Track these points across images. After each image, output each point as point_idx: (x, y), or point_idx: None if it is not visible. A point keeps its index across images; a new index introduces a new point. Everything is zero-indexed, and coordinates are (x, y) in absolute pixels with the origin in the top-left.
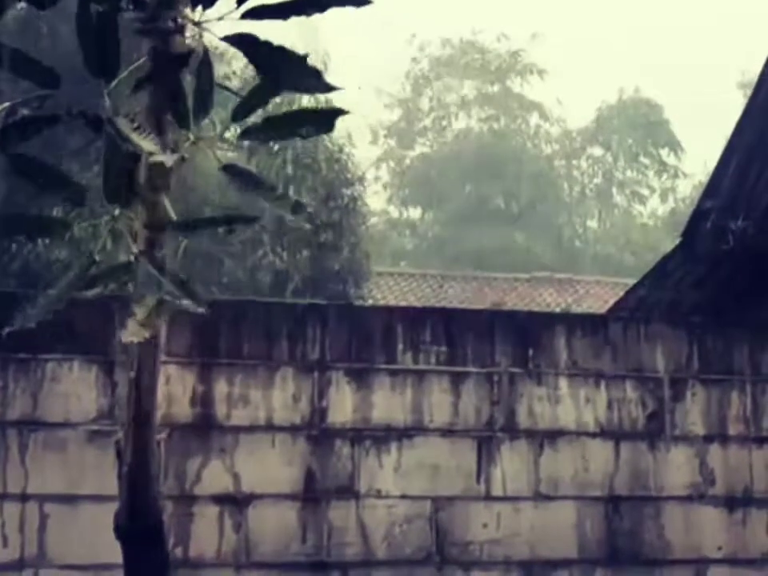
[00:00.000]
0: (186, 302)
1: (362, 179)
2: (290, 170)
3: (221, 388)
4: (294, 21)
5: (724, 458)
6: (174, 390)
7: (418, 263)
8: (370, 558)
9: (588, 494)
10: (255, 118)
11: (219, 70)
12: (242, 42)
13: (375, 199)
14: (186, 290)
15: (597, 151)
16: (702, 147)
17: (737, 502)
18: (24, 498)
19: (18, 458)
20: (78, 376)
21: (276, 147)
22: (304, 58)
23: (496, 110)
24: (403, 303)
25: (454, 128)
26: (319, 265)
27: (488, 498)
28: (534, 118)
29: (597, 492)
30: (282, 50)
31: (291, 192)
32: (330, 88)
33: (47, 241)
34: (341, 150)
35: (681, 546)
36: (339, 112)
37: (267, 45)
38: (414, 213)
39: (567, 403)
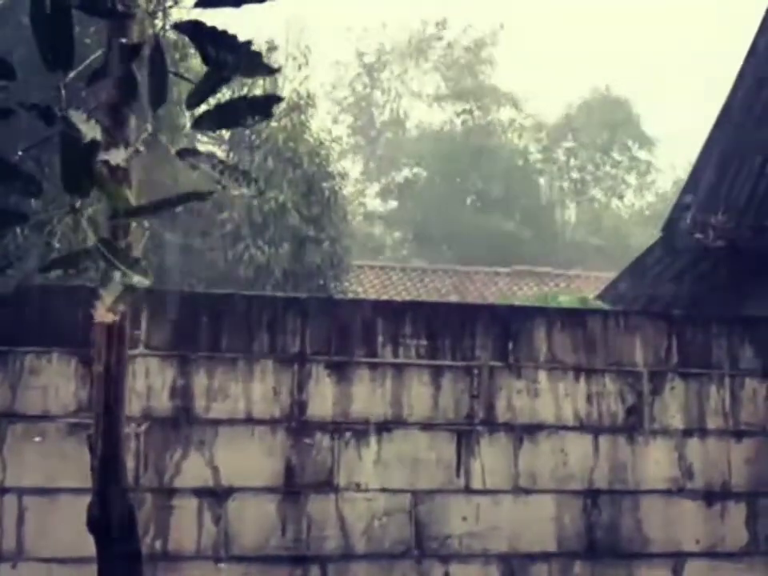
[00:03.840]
0: (136, 279)
1: (342, 174)
2: (270, 163)
3: (200, 381)
4: (284, 21)
5: (703, 451)
6: (154, 382)
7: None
8: (350, 551)
9: (567, 488)
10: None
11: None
12: (189, 29)
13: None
14: (138, 270)
15: (568, 145)
16: (678, 144)
17: (715, 495)
18: (2, 491)
19: None
20: (57, 368)
21: (257, 141)
22: (247, 42)
23: (467, 103)
24: (384, 297)
25: (421, 120)
26: (300, 258)
27: (467, 491)
28: (506, 111)
29: (576, 486)
30: (225, 34)
31: (275, 186)
32: (270, 71)
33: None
34: (321, 144)
35: (659, 539)
36: (276, 99)
37: (212, 30)
38: (389, 205)
39: (546, 397)
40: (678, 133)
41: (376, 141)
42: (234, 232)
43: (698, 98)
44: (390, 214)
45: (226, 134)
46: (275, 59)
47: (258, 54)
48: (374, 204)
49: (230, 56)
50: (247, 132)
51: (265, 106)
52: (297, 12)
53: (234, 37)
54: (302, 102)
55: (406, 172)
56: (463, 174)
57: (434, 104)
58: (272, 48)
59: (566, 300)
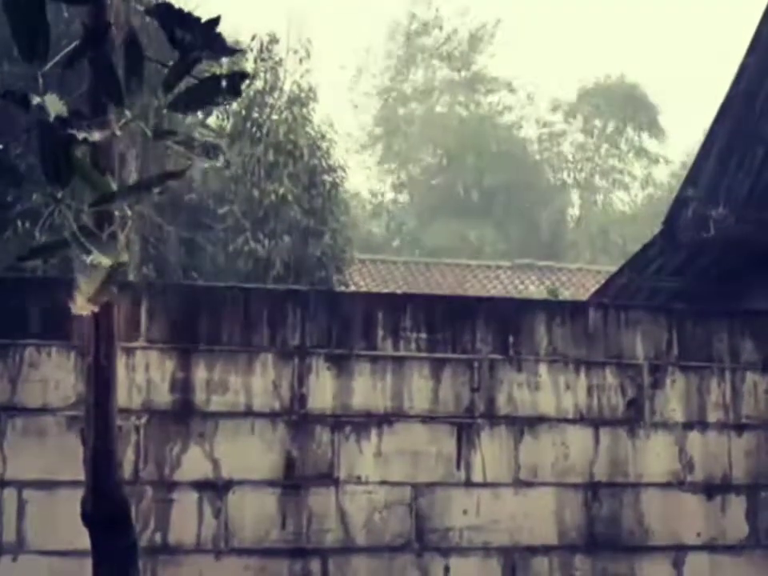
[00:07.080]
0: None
1: (343, 166)
2: (271, 156)
3: (200, 374)
4: (284, 11)
5: (703, 444)
6: (154, 375)
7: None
8: (350, 544)
9: (568, 481)
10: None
11: None
12: (158, 12)
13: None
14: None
15: (578, 136)
16: (689, 135)
17: (716, 488)
18: (2, 484)
19: None
20: (56, 361)
21: (258, 134)
22: (212, 23)
23: (466, 95)
24: (385, 290)
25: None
26: (301, 251)
27: (468, 484)
28: (502, 96)
29: (576, 479)
30: (190, 16)
31: (274, 179)
32: (232, 51)
33: None
34: (323, 137)
35: (660, 532)
36: (244, 76)
37: (179, 12)
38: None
39: (547, 390)
40: (684, 125)
41: (397, 132)
42: (234, 225)
43: (705, 91)
44: (396, 207)
45: (227, 126)
46: (276, 52)
47: (220, 35)
48: (388, 197)
49: (193, 37)
50: (248, 125)
51: (231, 83)
52: (299, 6)
53: (198, 19)
54: (302, 95)
55: (410, 168)
56: (462, 168)
57: (441, 95)
58: (273, 41)
59: (535, 291)
